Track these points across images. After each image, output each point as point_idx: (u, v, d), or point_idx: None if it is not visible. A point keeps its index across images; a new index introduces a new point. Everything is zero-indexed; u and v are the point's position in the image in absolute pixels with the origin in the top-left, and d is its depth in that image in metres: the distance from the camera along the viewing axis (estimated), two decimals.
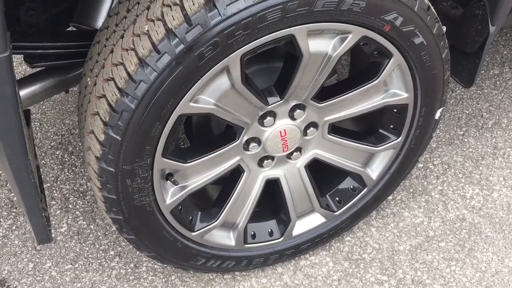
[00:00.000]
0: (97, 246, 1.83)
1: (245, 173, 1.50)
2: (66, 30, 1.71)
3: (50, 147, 2.18)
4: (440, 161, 2.05)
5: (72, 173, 2.07)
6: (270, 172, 1.55)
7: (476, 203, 1.91)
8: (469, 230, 1.84)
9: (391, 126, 1.60)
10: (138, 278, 1.74)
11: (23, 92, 1.50)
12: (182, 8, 1.13)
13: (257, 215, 1.63)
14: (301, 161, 1.57)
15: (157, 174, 1.34)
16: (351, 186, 1.70)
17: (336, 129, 1.57)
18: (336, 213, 1.70)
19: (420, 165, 2.04)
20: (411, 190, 1.96)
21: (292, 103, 1.41)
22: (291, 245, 1.69)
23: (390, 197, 1.92)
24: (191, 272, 1.73)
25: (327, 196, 1.70)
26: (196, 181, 1.44)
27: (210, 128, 1.55)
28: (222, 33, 1.14)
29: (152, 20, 1.15)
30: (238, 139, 1.42)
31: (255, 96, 1.33)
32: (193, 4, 1.13)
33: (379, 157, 1.65)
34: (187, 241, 1.52)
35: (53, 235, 1.65)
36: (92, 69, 1.28)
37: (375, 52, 1.42)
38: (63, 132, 2.24)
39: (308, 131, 1.49)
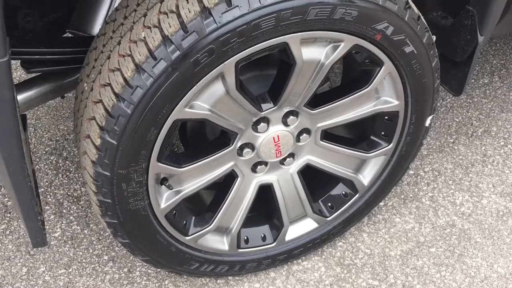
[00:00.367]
0: (91, 251, 1.84)
1: (238, 178, 1.52)
2: (63, 36, 1.73)
3: (44, 152, 2.19)
4: (430, 168, 2.08)
5: (66, 178, 2.08)
6: (263, 177, 1.57)
7: (465, 209, 1.94)
8: (459, 236, 1.86)
9: (383, 133, 1.63)
10: (132, 283, 1.75)
11: (19, 97, 1.52)
12: (179, 15, 1.15)
13: (250, 220, 1.64)
14: (294, 166, 1.59)
15: (152, 179, 1.36)
16: (343, 192, 1.72)
17: (328, 135, 1.59)
18: (328, 218, 1.72)
19: (411, 172, 2.07)
20: (402, 197, 1.99)
21: (286, 110, 1.44)
22: (283, 250, 1.70)
23: (381, 203, 1.95)
24: (185, 276, 1.74)
25: (319, 201, 1.72)
26: (191, 186, 1.46)
27: (205, 133, 1.57)
28: (218, 40, 1.17)
29: (149, 27, 1.18)
30: (232, 144, 1.44)
31: (249, 102, 1.35)
32: (189, 11, 1.15)
33: (370, 164, 1.68)
34: (181, 246, 1.54)
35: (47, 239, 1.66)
36: (89, 75, 1.30)
37: (367, 60, 1.45)
38: (57, 138, 2.25)
39: (301, 137, 1.51)
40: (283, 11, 1.18)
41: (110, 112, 1.21)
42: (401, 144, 1.64)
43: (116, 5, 1.53)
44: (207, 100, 1.29)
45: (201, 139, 1.59)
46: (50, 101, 2.05)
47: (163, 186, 1.42)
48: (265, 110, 1.40)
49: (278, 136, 1.47)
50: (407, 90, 1.50)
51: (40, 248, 1.84)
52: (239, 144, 1.45)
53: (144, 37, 1.17)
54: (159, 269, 1.75)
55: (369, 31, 1.31)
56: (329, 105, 1.47)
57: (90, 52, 1.35)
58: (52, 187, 2.05)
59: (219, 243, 1.62)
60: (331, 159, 1.62)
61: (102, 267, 1.79)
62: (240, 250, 1.65)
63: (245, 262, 1.67)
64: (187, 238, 1.53)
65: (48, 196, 2.02)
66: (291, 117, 1.45)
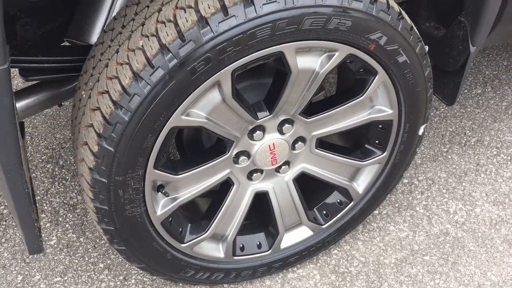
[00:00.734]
0: (87, 258, 1.84)
1: (234, 186, 1.53)
2: (61, 45, 1.75)
3: (41, 160, 2.19)
4: (424, 177, 2.10)
5: (62, 187, 2.09)
6: (259, 185, 1.58)
7: (459, 218, 1.96)
8: (453, 244, 1.88)
9: (377, 141, 1.65)
10: None
11: (18, 105, 1.53)
12: (176, 24, 1.17)
13: (246, 227, 1.65)
14: (289, 174, 1.61)
15: (149, 186, 1.37)
16: (338, 200, 1.74)
17: (323, 143, 1.61)
18: (323, 226, 1.73)
19: (405, 180, 2.09)
20: (397, 205, 2.01)
21: (281, 118, 1.45)
22: (279, 257, 1.71)
23: (376, 211, 1.96)
24: (180, 284, 1.75)
25: (314, 209, 1.73)
26: (187, 193, 1.47)
27: (201, 141, 1.59)
28: (214, 49, 1.19)
29: (147, 36, 1.20)
30: (228, 152, 1.45)
31: (245, 110, 1.37)
32: (187, 21, 1.17)
33: (365, 172, 1.69)
34: (176, 253, 1.54)
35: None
36: (87, 83, 1.32)
37: (361, 70, 1.47)
38: (54, 146, 2.25)
39: (296, 145, 1.53)
40: (278, 21, 1.21)
41: (108, 120, 1.22)
42: (395, 152, 1.66)
43: (114, 14, 1.56)
44: (204, 108, 1.31)
45: (197, 147, 1.60)
46: (47, 109, 2.06)
47: (159, 193, 1.43)
48: (260, 118, 1.42)
49: (273, 144, 1.48)
50: (400, 99, 1.52)
51: (35, 256, 1.85)
52: (235, 151, 1.46)
53: (142, 46, 1.19)
54: (154, 277, 1.76)
55: (363, 41, 1.33)
56: (324, 113, 1.49)
57: (88, 61, 1.37)
58: (48, 195, 2.05)
59: (215, 251, 1.63)
60: (326, 167, 1.64)
61: (98, 275, 1.79)
62: (235, 257, 1.66)
63: (241, 269, 1.68)
64: (183, 245, 1.54)
65: (44, 204, 2.02)
66: (287, 125, 1.47)
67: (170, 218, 1.50)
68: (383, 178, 1.71)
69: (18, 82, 2.44)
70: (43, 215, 1.98)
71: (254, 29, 1.20)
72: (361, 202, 1.74)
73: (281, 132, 1.48)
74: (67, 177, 2.12)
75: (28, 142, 2.27)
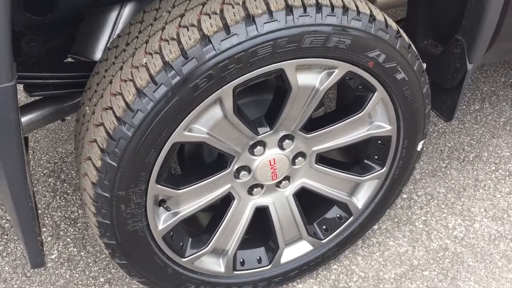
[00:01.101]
0: (87, 273, 1.85)
1: (235, 201, 1.55)
2: (65, 61, 1.77)
3: (42, 174, 2.21)
4: (423, 192, 2.12)
5: (63, 201, 2.10)
6: (259, 200, 1.59)
7: (458, 233, 1.97)
8: (452, 259, 1.89)
9: (376, 156, 1.66)
10: None
11: (22, 120, 1.54)
12: (179, 42, 1.20)
13: (246, 242, 1.66)
14: (290, 189, 1.62)
15: (151, 200, 1.38)
16: (338, 215, 1.75)
17: (323, 159, 1.62)
18: (323, 241, 1.74)
19: (405, 195, 2.10)
20: (396, 220, 2.02)
21: (281, 134, 1.47)
22: (279, 272, 1.72)
23: (375, 226, 1.97)
24: None
25: (314, 224, 1.74)
26: (188, 208, 1.48)
27: (202, 156, 1.61)
28: (216, 66, 1.21)
29: (150, 53, 1.22)
30: (229, 167, 1.47)
31: (246, 126, 1.39)
32: (190, 39, 1.20)
33: (364, 187, 1.71)
34: (177, 267, 1.55)
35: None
36: (91, 99, 1.34)
37: (360, 86, 1.50)
38: (56, 160, 2.27)
39: (296, 160, 1.55)
40: (279, 39, 1.23)
41: (111, 135, 1.24)
42: (394, 168, 1.67)
43: (117, 32, 1.59)
44: (206, 123, 1.33)
45: (199, 162, 1.62)
46: (49, 124, 2.08)
47: (161, 207, 1.44)
48: (261, 134, 1.44)
49: (274, 159, 1.50)
50: (399, 116, 1.55)
51: (36, 270, 1.85)
52: (236, 167, 1.48)
53: (146, 63, 1.21)
54: None
55: (362, 58, 1.36)
56: (324, 129, 1.51)
57: (92, 77, 1.39)
58: (50, 209, 2.06)
59: (215, 265, 1.63)
60: (326, 182, 1.65)
61: None
62: (236, 272, 1.66)
63: (241, 284, 1.68)
64: (184, 259, 1.55)
65: (46, 218, 2.03)
66: (287, 140, 1.49)
67: (171, 233, 1.51)
68: (383, 193, 1.73)
69: (20, 97, 2.47)
70: (44, 229, 1.99)
71: (256, 47, 1.22)
72: (361, 217, 1.75)
73: (281, 147, 1.50)
74: (69, 191, 2.13)
75: (30, 156, 2.28)
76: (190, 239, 1.57)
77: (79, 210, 2.06)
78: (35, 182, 2.17)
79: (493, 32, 1.56)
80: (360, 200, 1.72)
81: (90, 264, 1.87)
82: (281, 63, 1.28)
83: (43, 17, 1.45)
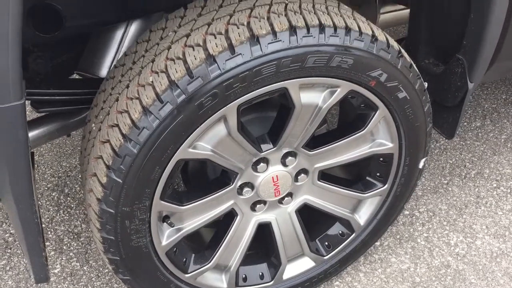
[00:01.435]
0: (90, 287, 1.85)
1: (238, 217, 1.56)
2: (71, 78, 1.80)
3: (46, 188, 2.22)
4: (425, 209, 2.12)
5: (67, 215, 2.11)
6: (262, 216, 1.60)
7: (460, 250, 1.98)
8: (454, 276, 1.89)
9: (378, 174, 1.68)
10: None
11: (29, 135, 1.56)
12: (185, 62, 1.22)
13: (249, 258, 1.67)
14: (292, 206, 1.63)
15: (155, 216, 1.39)
16: (340, 231, 1.76)
17: (325, 175, 1.64)
18: (325, 257, 1.75)
19: (406, 212, 2.11)
20: (398, 237, 2.02)
21: (284, 151, 1.49)
22: None
23: (377, 243, 1.98)
24: None
25: (316, 240, 1.75)
26: (192, 224, 1.49)
27: (206, 172, 1.62)
28: (221, 85, 1.23)
29: (157, 72, 1.24)
30: (233, 183, 1.48)
31: (249, 143, 1.41)
32: (195, 58, 1.22)
33: (366, 204, 1.72)
34: (180, 283, 1.56)
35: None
36: (97, 116, 1.36)
37: (362, 105, 1.51)
38: (60, 174, 2.29)
39: (299, 177, 1.56)
40: (283, 59, 1.25)
41: (117, 152, 1.25)
42: (395, 185, 1.68)
43: (124, 49, 1.61)
44: (210, 141, 1.35)
45: (202, 178, 1.64)
46: (55, 139, 2.10)
47: (164, 223, 1.45)
48: (264, 151, 1.46)
49: (277, 176, 1.52)
50: (400, 134, 1.56)
51: (39, 285, 1.86)
52: (239, 183, 1.49)
53: (152, 82, 1.24)
54: None
55: (364, 78, 1.38)
56: (326, 146, 1.53)
57: (99, 94, 1.41)
58: (53, 223, 2.08)
59: (218, 281, 1.64)
60: (328, 199, 1.66)
61: None
62: None
63: None
64: (187, 275, 1.56)
65: (49, 232, 2.04)
66: (290, 157, 1.50)
67: (175, 248, 1.52)
68: (385, 210, 1.74)
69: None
70: (47, 243, 2.00)
71: (260, 67, 1.24)
72: (363, 233, 1.76)
73: (284, 164, 1.51)
74: (72, 205, 2.15)
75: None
76: (193, 255, 1.58)
77: (83, 224, 2.07)
78: (39, 196, 2.19)
79: (494, 51, 1.58)
80: (362, 216, 1.73)
81: (93, 278, 1.88)
82: (285, 82, 1.30)
83: (51, 35, 1.47)
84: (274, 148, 1.46)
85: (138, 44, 1.40)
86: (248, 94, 1.28)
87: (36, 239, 1.26)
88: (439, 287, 1.85)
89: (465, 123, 2.54)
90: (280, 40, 1.24)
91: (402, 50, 1.44)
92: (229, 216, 1.56)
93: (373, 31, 1.36)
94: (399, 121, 1.53)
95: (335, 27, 1.29)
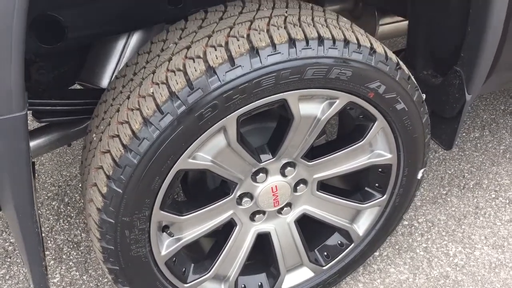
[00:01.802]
0: None
1: (237, 227, 1.57)
2: (72, 88, 1.81)
3: (46, 197, 2.23)
4: (424, 219, 2.13)
5: (67, 224, 2.12)
6: (261, 226, 1.61)
7: (459, 260, 1.98)
8: (453, 287, 1.89)
9: (376, 184, 1.69)
10: None
11: (30, 145, 1.57)
12: (185, 73, 1.24)
13: (248, 268, 1.67)
14: (291, 216, 1.64)
15: (154, 226, 1.40)
16: (339, 242, 1.76)
17: (324, 186, 1.65)
18: (324, 267, 1.75)
19: (405, 222, 2.11)
20: (397, 247, 2.03)
21: (284, 161, 1.50)
22: None
23: (376, 253, 1.98)
24: None
25: (315, 250, 1.75)
26: (191, 234, 1.50)
27: (205, 182, 1.63)
28: (221, 96, 1.24)
29: (157, 84, 1.26)
30: (232, 194, 1.49)
31: (249, 153, 1.42)
32: (195, 70, 1.23)
33: (365, 214, 1.73)
34: None
35: None
36: (98, 126, 1.37)
37: (361, 116, 1.53)
38: (60, 183, 2.29)
39: (298, 187, 1.57)
40: (282, 71, 1.27)
41: (118, 162, 1.26)
42: (394, 195, 1.69)
43: (125, 60, 1.63)
44: (210, 151, 1.36)
45: (202, 188, 1.64)
46: (56, 148, 2.11)
47: (164, 233, 1.46)
48: (264, 161, 1.47)
49: (276, 186, 1.52)
50: (399, 145, 1.57)
51: None
52: (238, 193, 1.50)
53: (152, 93, 1.25)
54: None
55: (363, 89, 1.39)
56: (325, 157, 1.54)
57: (100, 105, 1.43)
58: (53, 232, 2.08)
59: None
60: (327, 209, 1.67)
61: None
62: None
63: None
64: (186, 285, 1.56)
65: (49, 241, 2.05)
66: (289, 168, 1.51)
67: (174, 258, 1.52)
68: (383, 221, 1.74)
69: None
70: (47, 252, 2.00)
71: (259, 78, 1.25)
72: (362, 244, 1.76)
73: (283, 174, 1.52)
74: (72, 215, 2.15)
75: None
76: (193, 264, 1.58)
77: (82, 234, 2.07)
78: (39, 205, 2.19)
79: (491, 64, 1.60)
80: (361, 227, 1.74)
81: None
82: (284, 93, 1.32)
83: (54, 46, 1.49)
84: (273, 159, 1.47)
85: (139, 55, 1.41)
86: (248, 105, 1.30)
87: (36, 248, 1.27)
88: None
89: (464, 134, 2.55)
90: (280, 52, 1.25)
91: (400, 62, 1.45)
92: (229, 226, 1.57)
93: (371, 44, 1.37)
94: (397, 132, 1.54)
95: (334, 40, 1.31)
